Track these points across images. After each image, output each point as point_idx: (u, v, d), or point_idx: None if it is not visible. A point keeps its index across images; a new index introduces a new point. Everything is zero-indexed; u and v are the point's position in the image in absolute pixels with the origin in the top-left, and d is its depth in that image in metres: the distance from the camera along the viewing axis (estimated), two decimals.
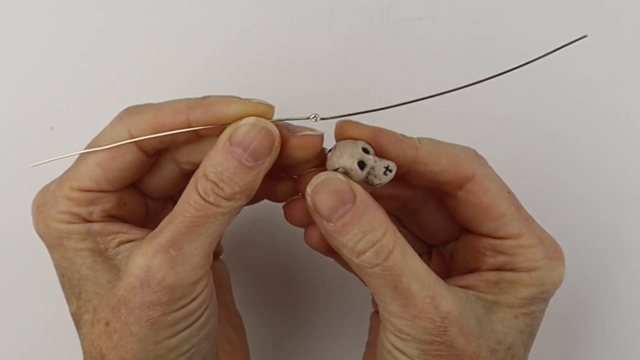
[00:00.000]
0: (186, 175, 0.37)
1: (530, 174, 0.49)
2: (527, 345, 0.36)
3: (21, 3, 0.49)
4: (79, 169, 0.35)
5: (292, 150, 0.35)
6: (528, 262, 0.35)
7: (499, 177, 0.37)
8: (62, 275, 0.36)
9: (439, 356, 0.33)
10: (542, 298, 0.36)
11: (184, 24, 0.49)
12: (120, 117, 0.35)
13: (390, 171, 0.35)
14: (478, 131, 0.48)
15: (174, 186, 0.39)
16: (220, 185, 0.33)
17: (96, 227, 0.35)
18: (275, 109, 0.35)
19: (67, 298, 0.37)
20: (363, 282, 0.35)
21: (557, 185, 0.49)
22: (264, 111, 0.34)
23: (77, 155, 0.36)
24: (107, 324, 0.34)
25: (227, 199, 0.33)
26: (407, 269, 0.33)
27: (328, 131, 0.36)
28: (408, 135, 0.36)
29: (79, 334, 0.36)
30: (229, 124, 0.34)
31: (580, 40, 0.35)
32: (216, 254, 0.44)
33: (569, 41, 0.34)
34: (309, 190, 0.34)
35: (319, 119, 0.36)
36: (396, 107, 0.35)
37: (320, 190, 0.34)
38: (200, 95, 0.35)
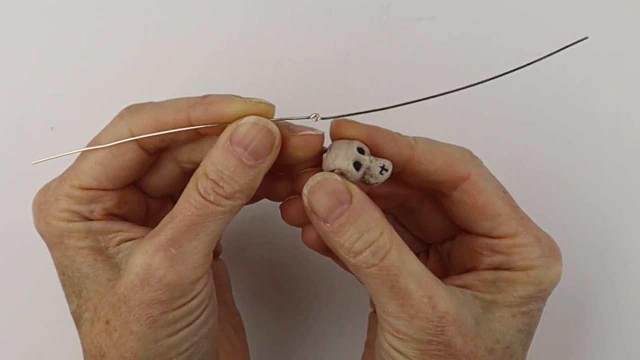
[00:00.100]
0: (187, 174, 0.37)
1: (530, 174, 0.49)
2: (526, 345, 0.36)
3: (21, 3, 0.49)
4: (80, 167, 0.35)
5: (292, 150, 0.35)
6: (525, 260, 0.35)
7: (494, 177, 0.37)
8: (62, 273, 0.36)
9: (437, 356, 0.33)
10: (539, 297, 0.36)
11: (184, 24, 0.49)
12: (122, 116, 0.36)
13: (386, 170, 0.35)
14: (478, 131, 0.49)
15: (175, 185, 0.39)
16: (221, 184, 0.33)
17: (97, 225, 0.35)
18: (276, 109, 0.35)
19: (67, 297, 0.37)
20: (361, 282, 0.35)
21: (557, 186, 0.49)
22: (265, 110, 0.34)
23: (78, 154, 0.36)
24: (107, 323, 0.34)
25: (227, 197, 0.33)
26: (404, 268, 0.33)
27: (328, 131, 0.36)
28: (406, 134, 0.36)
29: (79, 332, 0.36)
30: (230, 123, 0.34)
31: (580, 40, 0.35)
32: (216, 254, 0.44)
33: (570, 42, 0.34)
34: (305, 190, 0.34)
35: (319, 118, 0.36)
36: (396, 107, 0.35)
37: (317, 190, 0.34)
38: (200, 95, 0.35)
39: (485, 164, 0.37)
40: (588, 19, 0.49)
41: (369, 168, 0.35)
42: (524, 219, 0.36)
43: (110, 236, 0.36)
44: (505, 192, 0.36)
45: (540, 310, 0.36)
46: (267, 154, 0.33)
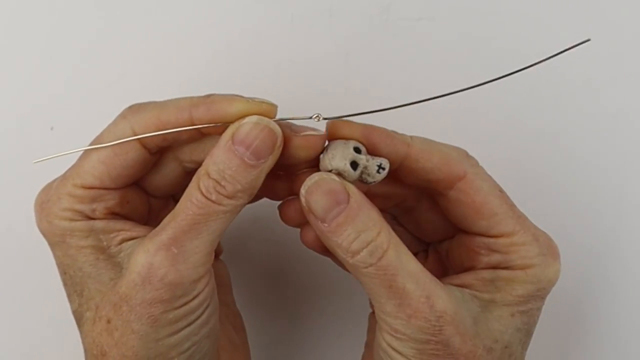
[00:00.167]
0: (188, 174, 0.37)
1: (530, 174, 0.49)
2: (525, 344, 0.36)
3: (21, 3, 0.49)
4: (82, 166, 0.35)
5: (294, 150, 0.35)
6: (523, 259, 0.35)
7: (490, 177, 0.37)
8: (64, 272, 0.36)
9: (435, 355, 0.33)
10: (538, 295, 0.36)
11: (184, 24, 0.49)
12: (124, 115, 0.36)
13: (383, 169, 0.35)
14: (478, 131, 0.49)
15: (176, 184, 0.39)
16: (223, 183, 0.33)
17: (99, 224, 0.35)
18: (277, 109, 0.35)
19: (69, 296, 0.37)
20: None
21: (557, 186, 0.49)
22: (267, 110, 0.34)
23: (79, 153, 0.36)
24: (109, 322, 0.34)
25: (229, 197, 0.33)
26: (401, 268, 0.33)
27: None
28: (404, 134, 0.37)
29: (81, 331, 0.36)
30: (232, 122, 0.34)
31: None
32: (216, 254, 0.44)
33: (572, 45, 0.35)
34: (302, 191, 0.34)
35: (321, 118, 0.36)
36: (396, 108, 0.35)
37: (314, 190, 0.34)
38: (200, 95, 0.35)
39: (485, 164, 0.37)
40: (588, 19, 0.49)
41: (366, 167, 0.35)
42: (521, 217, 0.36)
43: (112, 235, 0.36)
44: (501, 191, 0.37)
45: (539, 309, 0.36)
46: (269, 153, 0.33)
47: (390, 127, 0.36)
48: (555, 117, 0.49)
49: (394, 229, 0.36)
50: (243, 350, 0.43)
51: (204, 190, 0.33)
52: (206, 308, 0.35)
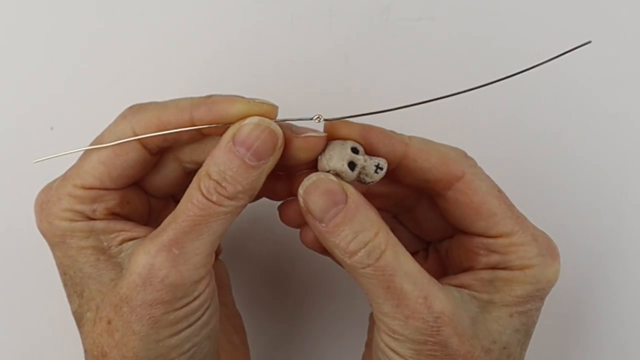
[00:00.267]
0: (189, 174, 0.37)
1: (530, 174, 0.49)
2: (524, 345, 0.36)
3: (21, 3, 0.49)
4: (82, 166, 0.35)
5: (294, 151, 0.35)
6: (521, 260, 0.35)
7: (488, 177, 0.37)
8: (64, 273, 0.36)
9: (433, 356, 0.33)
10: (537, 296, 0.36)
11: (184, 24, 0.49)
12: (124, 115, 0.36)
13: (381, 169, 0.35)
14: (478, 131, 0.49)
15: (177, 185, 0.39)
16: (223, 184, 0.33)
17: (99, 224, 0.35)
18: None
19: (69, 296, 0.37)
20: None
21: (556, 186, 0.49)
22: (268, 111, 0.34)
23: (80, 153, 0.36)
24: (109, 322, 0.34)
25: (229, 198, 0.33)
26: (399, 269, 0.33)
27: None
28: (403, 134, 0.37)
29: (81, 332, 0.36)
30: (233, 123, 0.34)
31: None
32: (215, 254, 0.44)
33: (573, 46, 0.35)
34: (300, 191, 0.34)
35: (322, 119, 0.36)
36: (396, 109, 0.35)
37: (312, 191, 0.34)
38: (200, 95, 0.35)
39: (485, 164, 0.37)
40: (588, 18, 0.49)
41: (363, 167, 0.35)
42: (519, 218, 0.36)
43: (112, 236, 0.35)
44: (500, 191, 0.37)
45: (538, 310, 0.36)
46: (269, 154, 0.33)
47: (389, 127, 0.37)
48: (555, 117, 0.49)
49: (393, 228, 0.36)
50: (243, 350, 0.43)
51: (204, 191, 0.33)
52: (207, 309, 0.35)
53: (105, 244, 0.35)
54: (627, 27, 0.49)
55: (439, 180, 0.36)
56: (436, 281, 0.34)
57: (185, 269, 0.33)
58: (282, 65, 0.49)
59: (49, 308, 0.47)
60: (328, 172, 0.35)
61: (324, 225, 0.34)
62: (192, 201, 0.33)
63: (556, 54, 0.35)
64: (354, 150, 0.35)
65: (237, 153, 0.33)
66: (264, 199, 0.39)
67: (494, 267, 0.36)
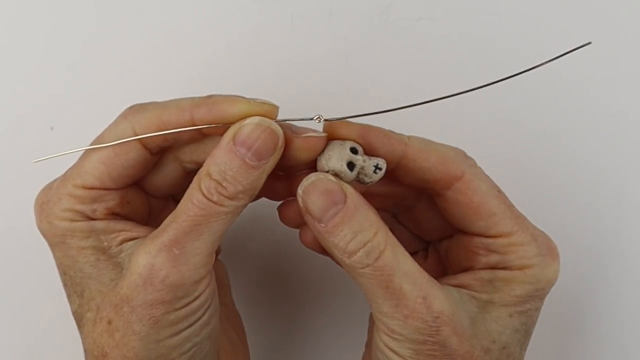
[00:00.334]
0: (189, 174, 0.37)
1: (530, 174, 0.49)
2: (523, 344, 0.36)
3: (21, 3, 0.49)
4: (82, 166, 0.35)
5: (295, 151, 0.35)
6: (521, 259, 0.35)
7: (488, 177, 0.37)
8: (64, 273, 0.36)
9: (432, 356, 0.33)
10: (537, 296, 0.36)
11: (184, 24, 0.49)
12: (125, 115, 0.36)
13: (380, 169, 0.35)
14: (478, 131, 0.49)
15: (176, 185, 0.39)
16: (224, 184, 0.33)
17: (100, 224, 0.35)
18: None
19: (69, 296, 0.36)
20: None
21: (556, 186, 0.49)
22: (269, 111, 0.34)
23: (80, 153, 0.36)
24: (110, 322, 0.34)
25: (230, 198, 0.33)
26: (398, 269, 0.33)
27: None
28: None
29: (81, 332, 0.36)
30: (233, 123, 0.34)
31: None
32: (215, 254, 0.44)
33: (573, 47, 0.34)
34: (299, 191, 0.34)
35: (322, 120, 0.36)
36: (396, 109, 0.35)
37: (311, 191, 0.34)
38: (201, 95, 0.35)
39: (484, 164, 0.37)
40: (588, 18, 0.49)
41: (362, 168, 0.35)
42: (519, 217, 0.36)
43: (112, 235, 0.35)
44: (499, 191, 0.37)
45: (537, 309, 0.36)
46: (270, 154, 0.33)
47: (388, 127, 0.37)
48: (555, 117, 0.49)
49: (393, 228, 0.36)
50: (242, 350, 0.43)
51: (205, 191, 0.33)
52: (207, 309, 0.35)
53: (105, 244, 0.35)
54: (627, 27, 0.49)
55: (438, 180, 0.36)
56: (435, 281, 0.34)
57: (185, 269, 0.33)
58: (282, 65, 0.49)
59: (49, 308, 0.47)
60: (327, 172, 0.35)
61: (323, 225, 0.34)
62: (192, 201, 0.33)
63: (556, 54, 0.35)
64: (353, 151, 0.35)
65: (237, 153, 0.33)
66: (264, 199, 0.39)
67: (493, 267, 0.36)
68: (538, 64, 0.34)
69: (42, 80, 0.49)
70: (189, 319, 0.34)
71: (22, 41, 0.49)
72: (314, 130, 0.35)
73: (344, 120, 0.36)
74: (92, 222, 0.35)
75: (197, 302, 0.34)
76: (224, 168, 0.33)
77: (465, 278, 0.36)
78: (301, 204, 0.34)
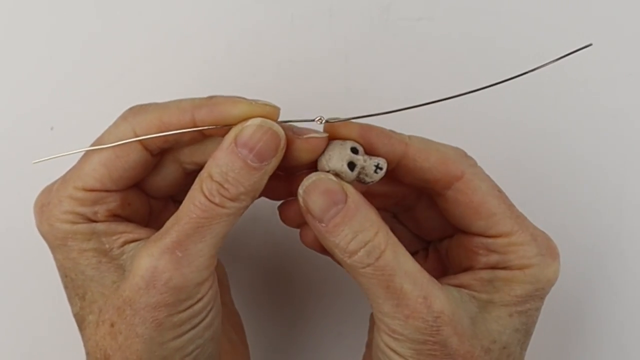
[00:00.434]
0: (189, 175, 0.37)
1: (530, 174, 0.49)
2: (523, 344, 0.36)
3: (21, 3, 0.49)
4: (83, 168, 0.35)
5: (296, 152, 0.35)
6: (521, 259, 0.35)
7: (488, 176, 0.37)
8: (65, 276, 0.36)
9: (433, 356, 0.33)
10: (537, 295, 0.36)
11: (184, 24, 0.49)
12: (125, 117, 0.35)
13: (381, 169, 0.35)
14: (478, 131, 0.49)
15: (177, 186, 0.39)
16: (226, 186, 0.33)
17: (101, 226, 0.35)
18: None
19: (70, 299, 0.36)
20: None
21: (557, 186, 0.49)
22: (270, 112, 0.34)
23: (80, 155, 0.36)
24: (112, 325, 0.34)
25: (232, 199, 0.33)
26: (399, 268, 0.33)
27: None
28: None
29: (83, 335, 0.36)
30: (235, 124, 0.34)
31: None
32: None
33: (574, 48, 0.34)
34: (300, 191, 0.34)
35: (324, 121, 0.36)
36: (397, 111, 0.35)
37: (312, 190, 0.34)
38: (200, 96, 0.35)
39: (485, 164, 0.37)
40: (588, 18, 0.49)
41: (363, 167, 0.35)
42: (519, 217, 0.36)
43: (114, 237, 0.35)
44: (500, 191, 0.37)
45: (538, 309, 0.36)
46: (272, 156, 0.33)
47: (388, 127, 0.37)
48: (555, 117, 0.49)
49: (393, 227, 0.36)
50: (242, 350, 0.43)
51: (207, 193, 0.33)
52: (210, 311, 0.35)
53: (107, 246, 0.35)
54: (627, 28, 0.49)
55: (438, 179, 0.36)
56: (436, 281, 0.34)
57: (188, 271, 0.33)
58: (282, 65, 0.49)
59: (49, 309, 0.47)
60: (328, 172, 0.35)
61: (323, 225, 0.34)
62: (194, 203, 0.33)
63: (556, 55, 0.35)
64: (354, 151, 0.35)
65: (239, 154, 0.33)
66: (264, 198, 0.39)
67: (493, 267, 0.36)
68: (539, 65, 0.34)
69: (42, 80, 0.49)
70: (192, 321, 0.34)
71: (22, 41, 0.49)
72: (315, 131, 0.35)
73: (345, 121, 0.36)
74: (93, 225, 0.35)
75: (200, 304, 0.34)
76: (226, 169, 0.33)
77: (465, 278, 0.37)
78: (302, 204, 0.34)
